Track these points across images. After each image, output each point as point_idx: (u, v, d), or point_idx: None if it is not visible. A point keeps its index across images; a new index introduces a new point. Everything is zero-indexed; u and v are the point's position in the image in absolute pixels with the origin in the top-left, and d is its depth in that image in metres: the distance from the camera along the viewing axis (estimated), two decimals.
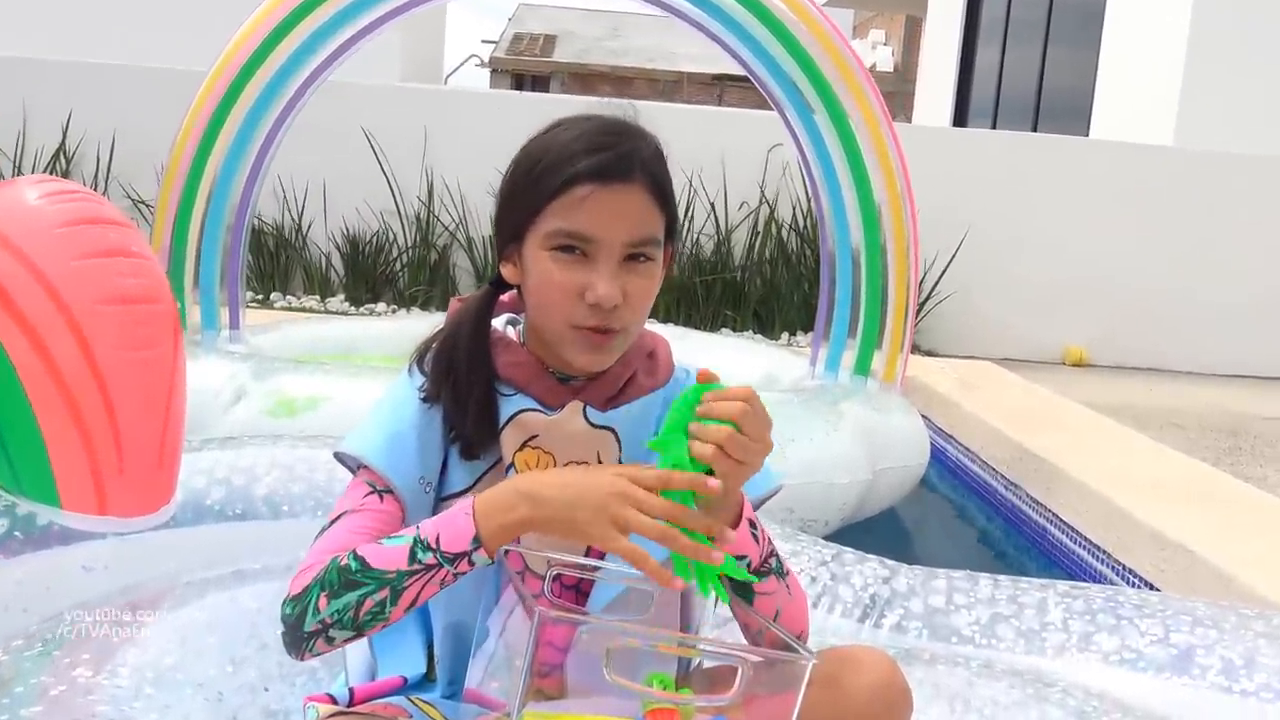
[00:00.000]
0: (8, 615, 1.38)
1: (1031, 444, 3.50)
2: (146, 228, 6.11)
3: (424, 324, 4.30)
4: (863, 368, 3.47)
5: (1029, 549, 3.32)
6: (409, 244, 6.13)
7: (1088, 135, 8.31)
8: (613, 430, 1.21)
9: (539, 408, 1.19)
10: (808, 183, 3.68)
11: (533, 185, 1.15)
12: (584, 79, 25.21)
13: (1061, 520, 3.18)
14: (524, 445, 1.18)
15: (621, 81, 25.36)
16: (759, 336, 5.88)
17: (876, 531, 3.17)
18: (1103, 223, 6.32)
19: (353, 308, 5.95)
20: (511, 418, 1.18)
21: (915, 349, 6.11)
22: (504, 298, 1.26)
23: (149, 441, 1.59)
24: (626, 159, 1.15)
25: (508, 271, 1.20)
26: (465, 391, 1.18)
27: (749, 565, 1.15)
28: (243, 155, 3.55)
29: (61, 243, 1.57)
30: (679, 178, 6.13)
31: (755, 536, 1.16)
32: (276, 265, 6.09)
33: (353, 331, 4.23)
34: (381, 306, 6.02)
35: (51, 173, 5.97)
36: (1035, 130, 9.56)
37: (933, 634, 1.61)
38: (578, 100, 6.58)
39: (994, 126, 10.57)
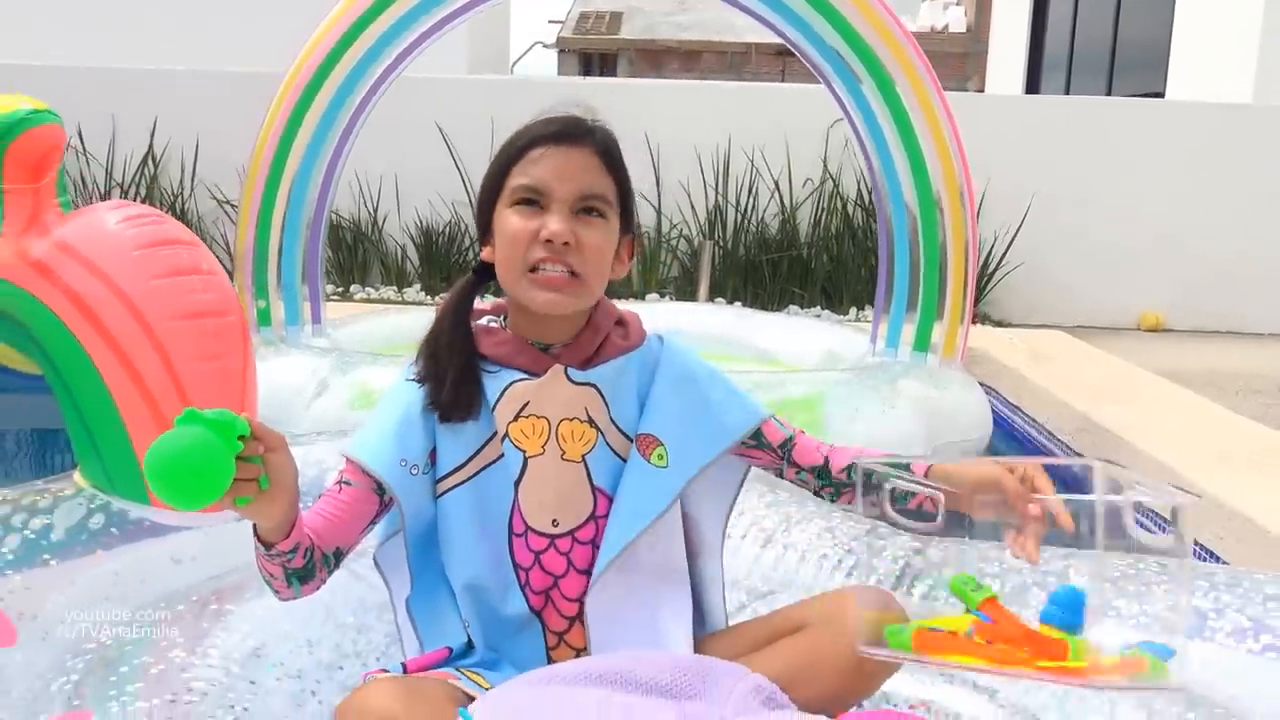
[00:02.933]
0: (107, 604, 1.52)
1: (1097, 414, 3.49)
2: (231, 227, 6.37)
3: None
4: (922, 344, 3.50)
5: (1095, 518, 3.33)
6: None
7: (1164, 90, 8.12)
8: (594, 386, 1.32)
9: (524, 375, 1.31)
10: (862, 156, 3.70)
11: (499, 163, 1.31)
12: (651, 55, 25.19)
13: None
14: (517, 417, 1.30)
15: (689, 55, 25.28)
16: (826, 313, 5.91)
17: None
18: (1178, 184, 6.19)
19: (429, 297, 6.12)
20: (503, 393, 1.30)
21: (986, 320, 6.09)
22: (484, 305, 1.37)
23: None
24: (577, 125, 1.32)
25: (486, 253, 1.34)
26: (445, 361, 1.30)
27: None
28: (319, 154, 3.69)
29: (140, 264, 1.72)
30: (741, 159, 6.18)
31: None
32: (355, 259, 6.29)
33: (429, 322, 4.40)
34: None
35: (140, 177, 6.26)
36: (1110, 87, 9.36)
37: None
38: (644, 84, 6.66)
39: (1068, 84, 10.36)
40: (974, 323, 5.78)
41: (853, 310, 5.99)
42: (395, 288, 6.23)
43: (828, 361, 3.69)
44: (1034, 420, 3.99)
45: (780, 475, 1.42)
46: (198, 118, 6.25)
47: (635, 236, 1.38)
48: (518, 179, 1.28)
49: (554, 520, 1.31)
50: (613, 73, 25.75)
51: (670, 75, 25.22)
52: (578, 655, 1.33)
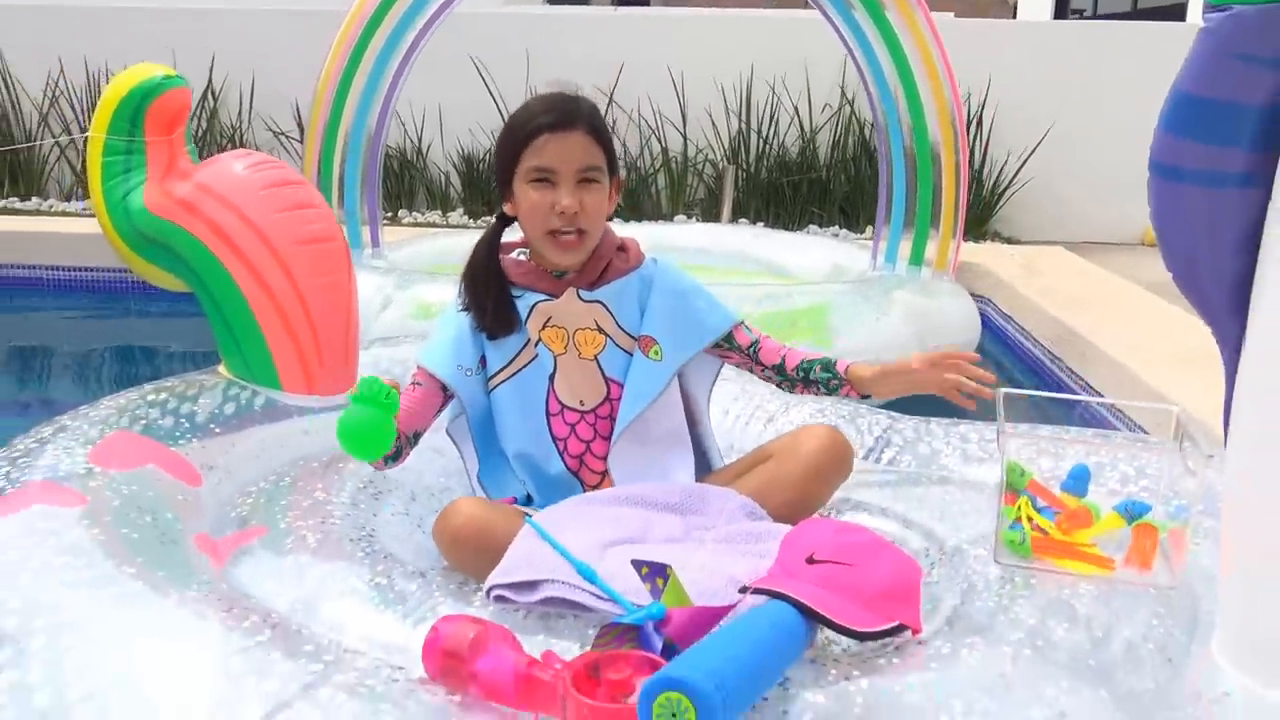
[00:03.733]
0: (257, 462, 2.01)
1: (1074, 322, 3.90)
2: (285, 157, 6.82)
3: None
4: (917, 259, 3.91)
5: (1067, 417, 3.76)
6: None
7: (1185, 13, 8.31)
8: (601, 302, 1.79)
9: (546, 297, 1.78)
10: (861, 81, 4.01)
11: (512, 143, 1.73)
12: None
13: (1093, 388, 3.61)
14: (544, 327, 1.78)
15: None
16: (844, 231, 6.29)
17: (930, 401, 3.66)
18: None
19: (471, 220, 6.56)
20: (531, 310, 1.78)
21: (996, 236, 6.44)
22: (514, 240, 1.84)
23: (338, 341, 2.22)
24: (569, 114, 1.72)
25: (508, 208, 1.79)
26: (484, 292, 1.78)
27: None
28: (377, 87, 4.05)
29: (266, 200, 2.17)
30: (762, 86, 6.50)
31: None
32: (401, 185, 6.73)
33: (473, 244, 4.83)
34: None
35: (200, 110, 6.69)
36: (1134, 11, 9.50)
37: (918, 462, 2.13)
38: (671, 15, 6.96)
39: (1095, 9, 10.48)
40: (984, 239, 6.17)
41: (869, 228, 6.37)
42: (440, 212, 6.67)
43: (833, 275, 4.12)
44: (1022, 328, 4.41)
45: (751, 371, 1.89)
46: (253, 54, 6.66)
47: (619, 177, 1.81)
48: (530, 162, 1.71)
49: (580, 401, 1.81)
50: None
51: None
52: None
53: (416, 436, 1.82)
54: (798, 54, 6.40)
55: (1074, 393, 3.79)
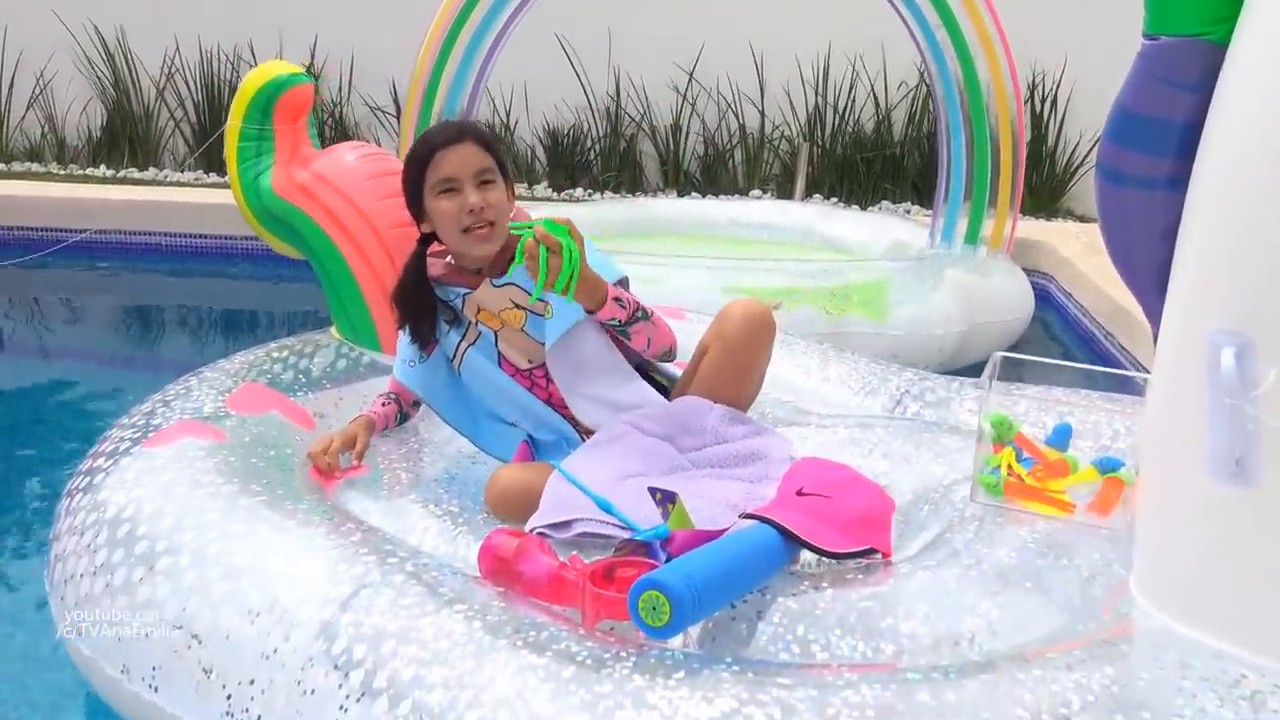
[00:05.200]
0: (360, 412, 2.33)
1: (1125, 299, 4.04)
2: (381, 131, 7.19)
3: (616, 209, 5.29)
4: (972, 236, 4.07)
5: (1118, 390, 3.91)
6: (601, 135, 6.96)
7: None
8: (512, 284, 2.10)
9: (470, 290, 2.11)
10: (920, 58, 4.12)
11: (416, 166, 2.06)
12: None
13: (1141, 365, 3.76)
14: (478, 312, 2.12)
15: None
16: (916, 208, 6.43)
17: (979, 373, 3.84)
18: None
19: (555, 193, 6.85)
20: (464, 301, 2.12)
21: (1069, 215, 6.51)
22: (440, 248, 2.16)
23: None
24: (457, 131, 2.07)
25: (424, 227, 2.12)
26: (415, 309, 2.14)
27: (619, 322, 2.00)
28: (471, 64, 4.27)
29: (372, 189, 2.49)
30: (841, 63, 6.62)
31: (621, 303, 1.99)
32: None
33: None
34: (580, 191, 6.90)
35: None
36: None
37: (939, 419, 2.35)
38: None
39: None
40: (1056, 217, 6.25)
41: None
42: (526, 184, 6.98)
43: (892, 252, 4.31)
44: (1080, 305, 4.55)
45: None
46: (354, 34, 7.02)
47: (511, 179, 2.12)
48: (434, 176, 2.03)
49: (528, 361, 2.15)
50: None
51: None
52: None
53: (418, 403, 2.26)
54: (876, 32, 6.51)
55: (1124, 367, 3.93)
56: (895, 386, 2.47)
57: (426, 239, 2.16)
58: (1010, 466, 1.75)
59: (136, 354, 4.62)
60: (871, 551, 1.50)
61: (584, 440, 2.11)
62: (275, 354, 2.40)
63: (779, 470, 1.86)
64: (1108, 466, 1.75)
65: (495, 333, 2.15)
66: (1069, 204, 6.62)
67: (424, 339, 2.16)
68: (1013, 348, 4.00)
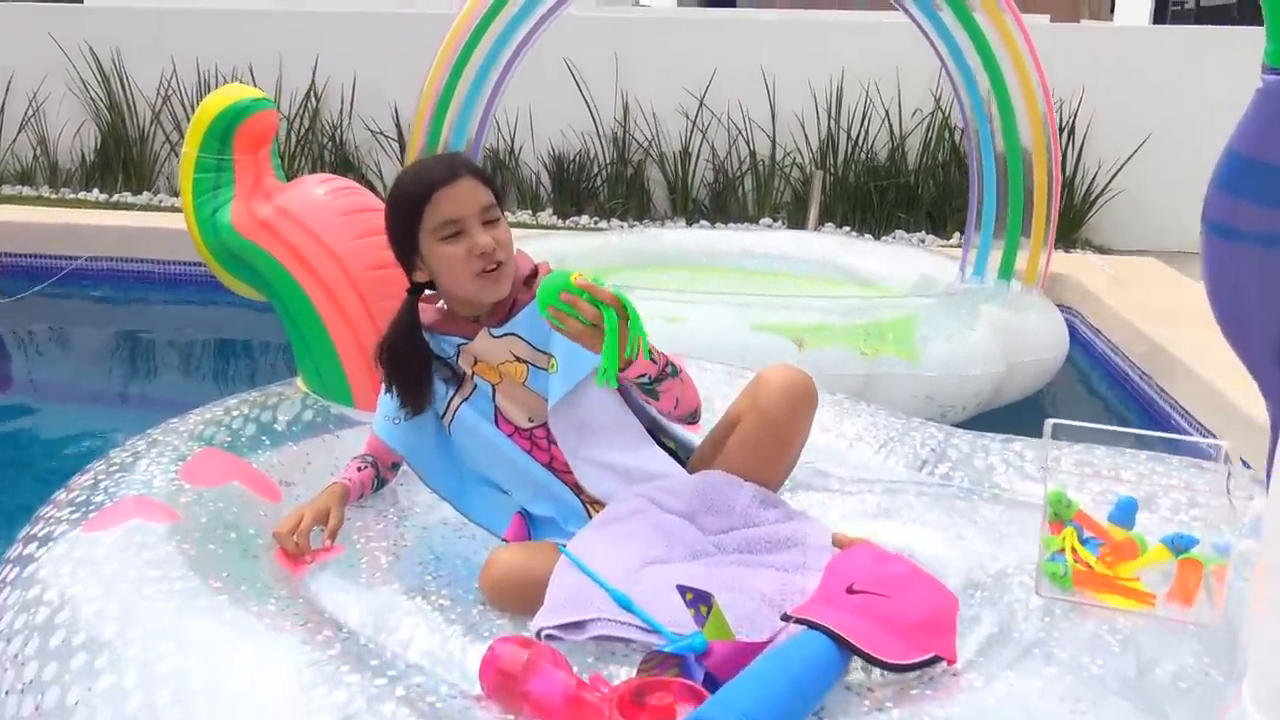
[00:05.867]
0: (331, 477, 2.05)
1: (1163, 338, 3.87)
2: (382, 155, 7.02)
3: (625, 239, 5.05)
4: (1006, 271, 3.90)
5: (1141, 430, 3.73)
6: (607, 161, 6.80)
7: None
8: (513, 334, 1.87)
9: (466, 340, 1.88)
10: (952, 87, 3.96)
11: (410, 208, 1.79)
12: None
13: (1181, 406, 3.59)
14: (475, 364, 1.89)
15: None
16: (931, 237, 6.28)
17: (1015, 415, 3.66)
18: None
19: (560, 221, 6.69)
20: (459, 352, 1.89)
21: (1088, 245, 6.36)
22: (431, 296, 1.93)
23: None
24: (451, 167, 1.79)
25: (420, 275, 1.86)
26: (406, 368, 1.88)
27: (649, 379, 1.74)
28: (480, 92, 4.07)
29: (343, 227, 2.28)
30: (854, 90, 6.49)
31: (652, 358, 1.73)
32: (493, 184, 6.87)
33: (563, 248, 4.91)
34: (585, 218, 6.73)
35: (304, 110, 6.93)
36: (1236, 14, 9.26)
37: (972, 482, 2.16)
38: (762, 18, 6.98)
39: (1197, 14, 10.23)
40: (1075, 248, 6.10)
41: (956, 234, 6.34)
42: (530, 211, 6.82)
43: (921, 287, 4.13)
44: (1110, 343, 4.38)
45: None
46: (355, 56, 6.87)
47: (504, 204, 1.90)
48: (433, 219, 1.77)
49: (529, 419, 1.91)
50: None
51: None
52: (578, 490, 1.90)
53: (396, 465, 2.04)
54: (890, 58, 6.39)
55: (1159, 410, 3.76)
56: (919, 443, 2.27)
57: (418, 288, 1.90)
58: (1074, 550, 1.56)
59: (129, 388, 4.42)
60: (935, 660, 1.31)
61: (588, 512, 1.88)
62: (235, 410, 2.17)
63: (818, 559, 1.64)
64: (1181, 545, 1.57)
65: (493, 386, 1.91)
66: (1087, 234, 6.48)
67: (418, 404, 1.90)
68: (1047, 388, 3.83)
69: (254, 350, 4.83)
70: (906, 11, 3.88)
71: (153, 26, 7.11)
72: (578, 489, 1.90)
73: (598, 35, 6.69)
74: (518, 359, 1.89)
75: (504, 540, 1.89)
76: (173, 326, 5.14)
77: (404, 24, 6.75)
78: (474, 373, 1.91)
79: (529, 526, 1.92)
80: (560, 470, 1.91)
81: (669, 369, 1.77)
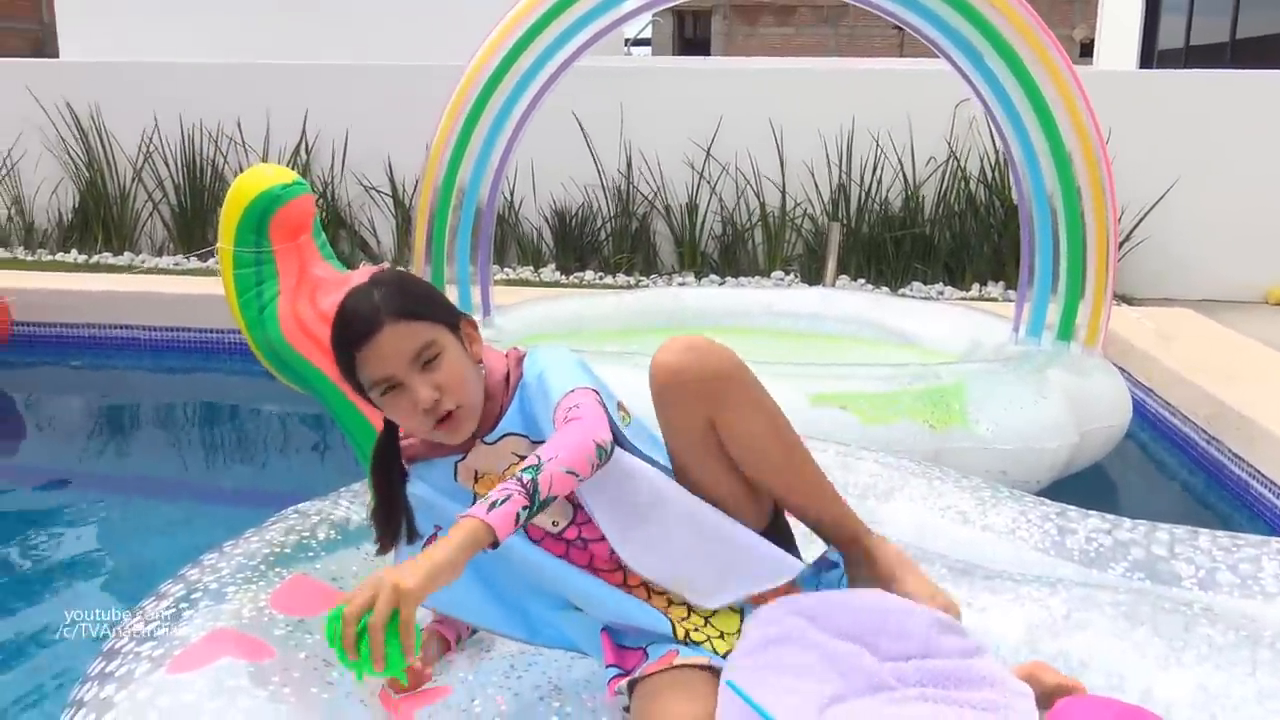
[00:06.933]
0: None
1: (1231, 398, 3.64)
2: (375, 211, 6.76)
3: (639, 299, 4.73)
4: (1065, 333, 3.65)
5: (1231, 501, 3.49)
6: (611, 214, 6.57)
7: None
8: (508, 434, 1.65)
9: (461, 456, 1.65)
10: (997, 137, 3.73)
11: (344, 367, 1.59)
12: (747, 10, 25.10)
13: (1262, 474, 3.35)
14: (477, 479, 1.66)
15: (784, 10, 25.12)
16: (949, 289, 6.07)
17: (1083, 486, 3.41)
18: None
19: (563, 276, 6.43)
20: (456, 471, 1.66)
21: (1116, 296, 6.18)
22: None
23: None
24: (365, 319, 1.55)
25: (385, 414, 1.64)
26: (397, 525, 1.66)
27: (528, 511, 1.42)
28: (493, 149, 3.87)
29: None
30: (865, 138, 6.30)
31: (501, 504, 1.42)
32: (495, 241, 6.62)
33: (579, 309, 4.65)
34: (589, 274, 6.48)
35: (293, 165, 6.65)
36: (1233, 41, 9.22)
37: (1155, 580, 1.90)
38: (768, 66, 6.81)
39: (1185, 62, 10.21)
40: None
41: (975, 286, 6.14)
42: (532, 267, 6.56)
43: (972, 349, 3.89)
44: (1167, 403, 4.15)
45: None
46: (346, 110, 6.62)
47: (466, 318, 1.66)
48: (368, 379, 1.57)
49: (553, 522, 1.66)
50: (707, 28, 25.69)
51: (765, 28, 25.12)
52: (647, 588, 1.64)
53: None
54: (901, 107, 6.22)
55: (1231, 476, 3.53)
56: (1083, 537, 2.02)
57: (389, 423, 1.68)
58: None
59: (115, 468, 4.09)
60: None
61: (649, 603, 1.61)
62: (315, 518, 1.92)
63: (1021, 705, 1.39)
64: None
65: None
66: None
67: (390, 537, 1.66)
68: (1111, 456, 3.59)
69: (244, 416, 4.52)
70: (950, 60, 3.67)
71: (133, 80, 6.83)
72: (628, 583, 1.64)
73: (600, 85, 6.48)
74: (521, 457, 1.65)
75: (609, 666, 1.61)
76: (158, 393, 4.83)
77: (397, 76, 6.51)
78: (476, 490, 1.67)
79: (615, 640, 1.64)
80: (601, 566, 1.66)
81: (533, 488, 1.44)
